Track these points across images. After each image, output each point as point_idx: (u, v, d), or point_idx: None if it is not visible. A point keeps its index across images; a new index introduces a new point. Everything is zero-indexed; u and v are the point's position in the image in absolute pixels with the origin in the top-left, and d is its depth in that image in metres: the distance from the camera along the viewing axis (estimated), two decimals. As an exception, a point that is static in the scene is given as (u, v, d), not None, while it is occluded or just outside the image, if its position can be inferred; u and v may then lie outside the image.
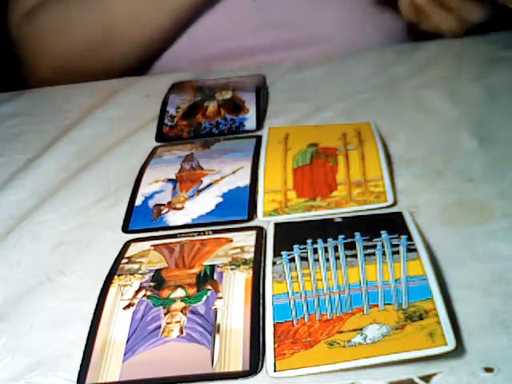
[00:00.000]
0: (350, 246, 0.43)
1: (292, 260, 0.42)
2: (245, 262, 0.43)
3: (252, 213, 0.49)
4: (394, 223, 0.45)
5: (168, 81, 0.73)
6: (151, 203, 0.52)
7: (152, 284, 0.42)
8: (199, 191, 0.52)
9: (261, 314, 0.39)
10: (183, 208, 0.51)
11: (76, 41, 0.80)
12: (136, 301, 0.41)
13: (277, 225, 0.47)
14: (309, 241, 0.44)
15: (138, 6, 0.78)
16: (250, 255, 0.44)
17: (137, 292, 0.42)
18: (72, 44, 0.80)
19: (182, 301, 0.41)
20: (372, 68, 0.71)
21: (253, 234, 0.46)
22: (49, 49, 0.82)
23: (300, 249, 0.43)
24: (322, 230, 0.45)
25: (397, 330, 0.36)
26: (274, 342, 0.37)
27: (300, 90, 0.69)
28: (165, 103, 0.68)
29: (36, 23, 0.82)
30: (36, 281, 0.46)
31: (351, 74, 0.71)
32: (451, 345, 0.34)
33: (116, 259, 0.46)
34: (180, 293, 0.41)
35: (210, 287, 0.41)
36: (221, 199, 0.51)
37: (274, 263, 0.42)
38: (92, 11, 0.79)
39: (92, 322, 0.40)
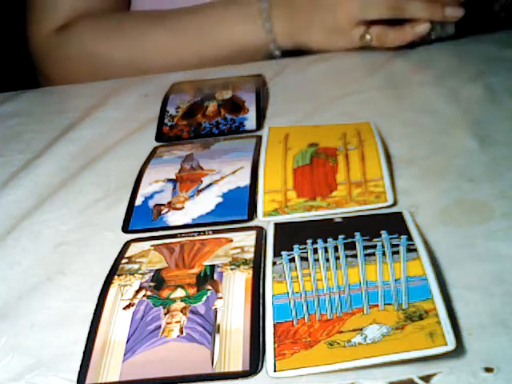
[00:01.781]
0: (350, 246, 0.43)
1: (292, 260, 0.42)
2: (245, 262, 0.43)
3: (252, 213, 0.49)
4: (393, 223, 0.45)
5: (168, 81, 0.73)
6: (151, 203, 0.52)
7: (152, 284, 0.42)
8: (199, 191, 0.52)
9: (261, 314, 0.39)
10: (183, 208, 0.51)
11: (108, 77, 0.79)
12: (136, 301, 0.41)
13: (277, 225, 0.47)
14: (309, 241, 0.44)
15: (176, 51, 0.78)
16: (250, 255, 0.44)
17: (137, 292, 0.42)
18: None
19: (182, 301, 0.41)
20: (372, 68, 0.71)
21: (253, 234, 0.46)
22: (78, 76, 0.80)
23: (300, 249, 0.43)
24: (322, 230, 0.45)
25: (397, 330, 0.36)
26: (274, 342, 0.37)
27: (300, 90, 0.69)
28: (165, 103, 0.68)
29: (67, 49, 0.81)
30: (36, 281, 0.46)
31: (351, 74, 0.71)
32: (451, 345, 0.34)
33: (116, 259, 0.46)
34: (180, 293, 0.41)
35: (209, 287, 0.41)
36: (221, 199, 0.51)
37: (274, 263, 0.42)
38: (131, 52, 0.79)
39: (92, 322, 0.40)
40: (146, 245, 0.47)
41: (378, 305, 0.38)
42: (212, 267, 0.43)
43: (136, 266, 0.44)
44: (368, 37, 0.71)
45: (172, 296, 0.41)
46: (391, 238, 0.43)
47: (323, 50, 0.75)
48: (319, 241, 0.43)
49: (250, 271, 0.42)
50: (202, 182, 0.53)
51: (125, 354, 0.38)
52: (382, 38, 0.71)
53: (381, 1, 0.69)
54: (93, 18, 0.81)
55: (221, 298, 0.40)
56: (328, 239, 0.43)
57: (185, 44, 0.78)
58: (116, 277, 0.44)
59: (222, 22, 0.76)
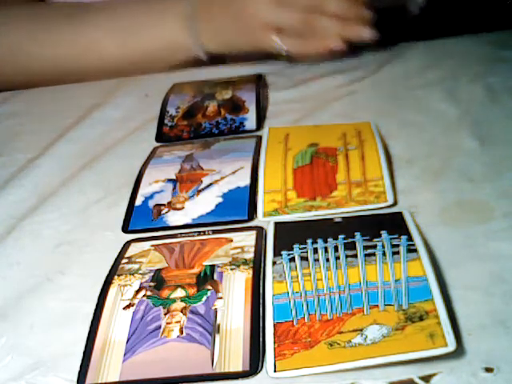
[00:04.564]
0: (350, 246, 0.43)
1: (292, 260, 0.42)
2: (245, 262, 0.43)
3: (252, 213, 0.49)
4: (393, 223, 0.45)
5: (168, 81, 0.73)
6: (151, 203, 0.52)
7: (152, 284, 0.42)
8: (199, 191, 0.52)
9: (261, 314, 0.39)
10: (183, 208, 0.51)
11: (24, 73, 0.77)
12: (136, 301, 0.41)
13: (277, 225, 0.47)
14: (309, 241, 0.44)
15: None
16: (250, 255, 0.44)
17: (137, 292, 0.42)
18: (20, 72, 0.78)
19: (181, 301, 0.41)
20: (372, 68, 0.71)
21: (253, 234, 0.46)
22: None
23: (300, 249, 0.43)
24: (322, 229, 0.45)
25: (397, 331, 0.36)
26: (274, 342, 0.37)
27: (300, 90, 0.69)
28: (165, 103, 0.68)
29: None
30: (36, 281, 0.46)
31: (351, 74, 0.71)
32: (451, 346, 0.34)
33: (116, 259, 0.46)
34: (180, 293, 0.41)
35: (209, 287, 0.41)
36: (221, 199, 0.51)
37: (274, 263, 0.42)
38: (59, 49, 0.76)
39: (92, 322, 0.40)
40: (146, 245, 0.47)
41: (378, 305, 0.38)
42: (212, 267, 0.43)
43: (136, 266, 0.44)
44: (279, 42, 0.69)
45: (172, 296, 0.41)
46: (391, 238, 0.43)
47: (238, 52, 0.72)
48: (319, 241, 0.43)
49: (250, 271, 0.42)
50: (201, 182, 0.53)
51: (125, 354, 0.38)
52: (295, 46, 0.70)
53: (293, 6, 0.68)
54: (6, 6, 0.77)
55: (221, 298, 0.40)
56: (328, 239, 0.43)
57: (112, 42, 0.75)
58: (116, 277, 0.44)
59: (150, 19, 0.75)
